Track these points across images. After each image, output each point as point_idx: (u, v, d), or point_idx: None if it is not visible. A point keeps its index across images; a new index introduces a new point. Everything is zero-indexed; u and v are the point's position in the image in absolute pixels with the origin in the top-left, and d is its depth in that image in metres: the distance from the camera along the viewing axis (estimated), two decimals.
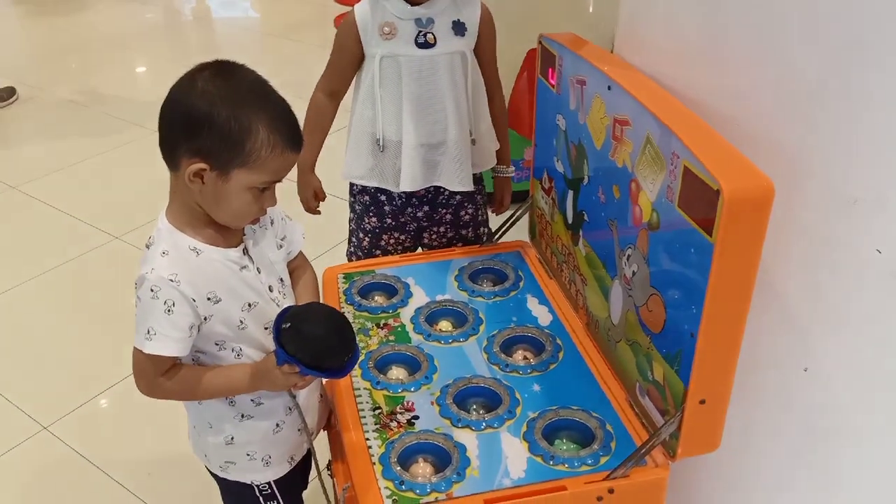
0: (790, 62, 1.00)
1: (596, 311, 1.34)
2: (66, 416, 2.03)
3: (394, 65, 1.55)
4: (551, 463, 1.13)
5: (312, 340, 1.06)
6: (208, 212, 1.09)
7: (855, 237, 1.09)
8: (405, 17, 1.55)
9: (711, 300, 0.96)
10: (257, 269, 1.16)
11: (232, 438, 1.21)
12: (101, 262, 2.64)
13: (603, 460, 1.13)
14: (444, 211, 1.70)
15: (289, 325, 1.06)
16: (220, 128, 1.01)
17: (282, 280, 1.21)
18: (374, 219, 1.71)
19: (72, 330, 2.34)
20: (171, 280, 1.06)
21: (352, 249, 1.79)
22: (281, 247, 1.22)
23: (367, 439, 1.19)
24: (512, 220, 1.63)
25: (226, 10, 5.72)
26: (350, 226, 1.78)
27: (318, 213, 1.72)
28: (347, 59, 1.61)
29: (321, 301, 1.33)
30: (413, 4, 1.55)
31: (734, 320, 0.99)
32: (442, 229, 1.73)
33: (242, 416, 1.20)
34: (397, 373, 1.33)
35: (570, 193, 1.39)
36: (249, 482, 1.26)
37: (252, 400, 1.19)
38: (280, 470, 1.26)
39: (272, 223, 1.21)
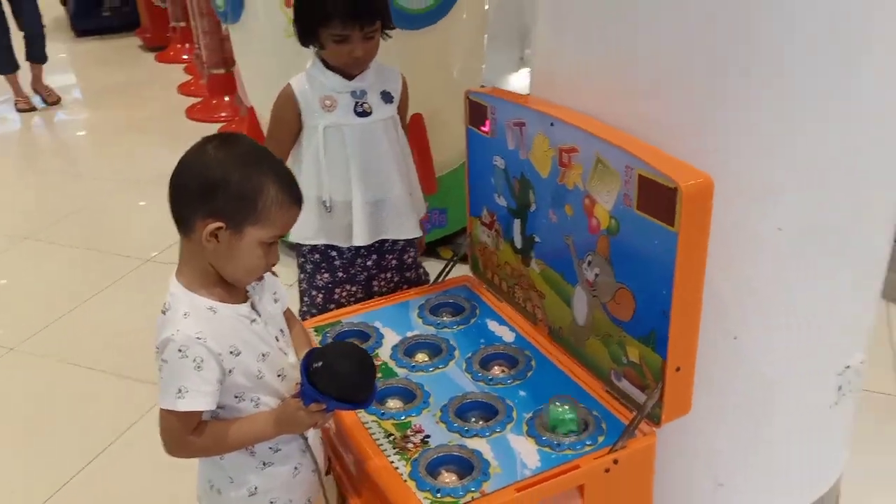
0: (687, 81, 1.26)
1: (558, 320, 1.52)
2: None
3: (337, 133, 1.71)
4: (559, 450, 1.29)
5: (346, 376, 1.16)
6: (221, 270, 1.18)
7: (759, 220, 1.36)
8: (343, 90, 1.73)
9: (680, 278, 1.17)
10: (265, 322, 1.25)
11: (256, 488, 1.26)
12: None
13: (600, 440, 1.30)
14: (391, 257, 1.85)
15: (321, 363, 1.16)
16: (234, 189, 1.13)
17: (282, 331, 1.30)
18: (325, 274, 1.82)
19: None
20: (198, 338, 1.13)
21: (304, 309, 1.88)
22: (276, 301, 1.31)
23: (392, 462, 1.29)
24: (456, 258, 1.80)
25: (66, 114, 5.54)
26: (300, 286, 1.88)
27: None
28: (287, 130, 1.75)
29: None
30: (349, 79, 1.72)
31: (696, 293, 1.21)
32: (389, 275, 1.87)
33: (264, 464, 1.26)
34: (395, 403, 1.44)
35: (517, 222, 1.58)
36: None
37: (270, 447, 1.25)
38: None
39: (264, 279, 1.30)
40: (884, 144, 1.39)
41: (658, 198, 1.16)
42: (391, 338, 1.61)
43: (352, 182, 1.73)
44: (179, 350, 1.12)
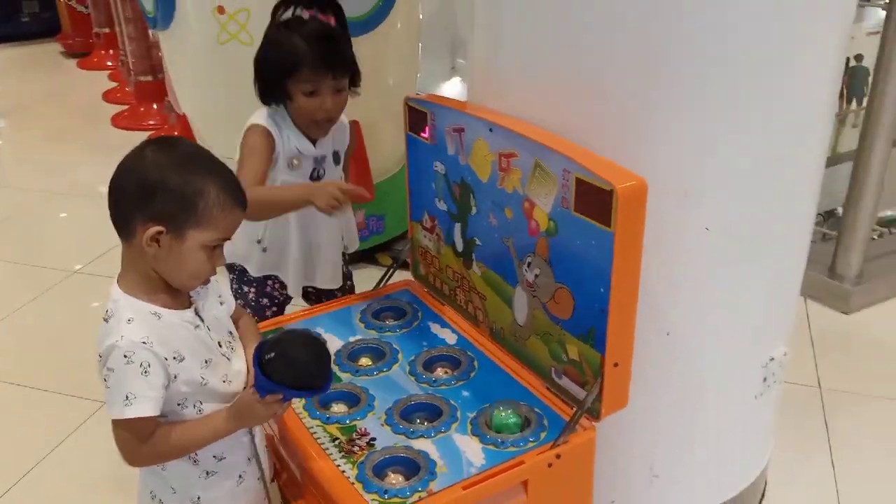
0: (618, 90, 1.32)
1: (499, 321, 1.56)
2: None
3: None
4: (503, 448, 1.32)
5: (301, 364, 1.16)
6: (165, 275, 1.17)
7: (688, 221, 1.43)
8: (307, 153, 1.72)
9: (617, 276, 1.22)
10: (207, 327, 1.24)
11: (199, 498, 1.25)
12: None
13: (543, 436, 1.34)
14: None
15: (273, 354, 1.15)
16: (173, 192, 1.11)
17: (231, 333, 1.29)
18: (255, 286, 1.83)
19: None
20: (144, 342, 1.12)
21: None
22: (222, 303, 1.30)
23: (338, 465, 1.29)
24: (397, 264, 1.82)
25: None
26: (231, 286, 1.86)
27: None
28: (267, 155, 1.67)
29: None
30: (313, 143, 1.72)
31: (632, 291, 1.26)
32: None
33: (207, 473, 1.25)
34: (340, 408, 1.44)
35: (458, 226, 1.61)
36: None
37: (214, 456, 1.24)
38: None
39: (209, 282, 1.29)
40: (802, 154, 1.48)
41: (594, 200, 1.20)
42: (334, 343, 1.62)
43: (288, 235, 1.75)
44: (125, 356, 1.10)
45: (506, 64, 1.51)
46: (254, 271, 1.81)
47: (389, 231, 3.09)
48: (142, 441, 1.14)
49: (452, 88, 4.84)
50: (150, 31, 4.58)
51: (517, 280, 1.46)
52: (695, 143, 1.37)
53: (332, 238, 1.82)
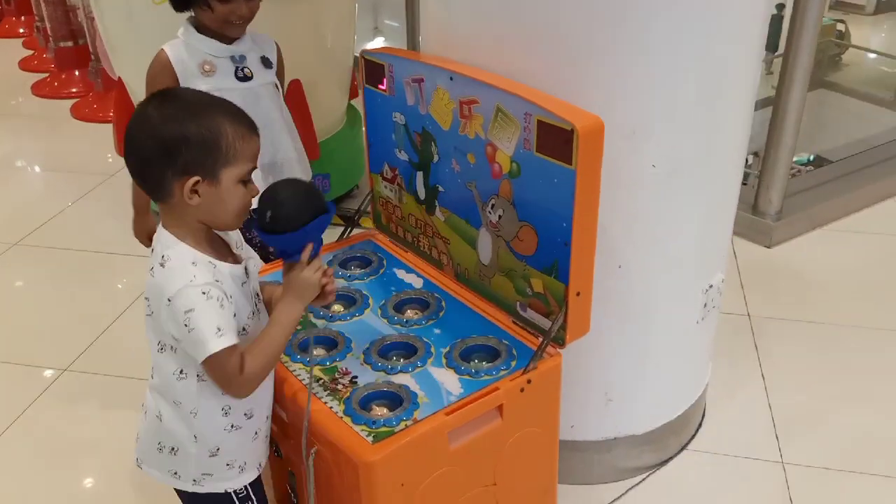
0: (568, 38, 1.42)
1: (464, 262, 1.64)
2: None
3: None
4: (478, 377, 1.41)
5: (297, 195, 1.21)
6: (212, 221, 1.20)
7: (636, 158, 1.54)
8: (221, 54, 1.77)
9: (579, 211, 1.32)
10: (251, 283, 1.28)
11: (218, 450, 1.28)
12: None
13: (513, 364, 1.44)
14: None
15: (269, 212, 1.20)
16: (194, 140, 1.13)
17: (258, 294, 1.32)
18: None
19: None
20: (216, 280, 1.16)
21: None
22: (255, 266, 1.33)
23: (326, 402, 1.37)
24: (359, 214, 1.88)
25: None
26: None
27: None
28: (166, 79, 1.74)
29: None
30: (227, 44, 1.75)
31: (592, 224, 1.37)
32: None
33: (233, 426, 1.27)
34: (319, 351, 1.51)
35: (420, 174, 1.68)
36: (224, 490, 1.32)
37: (245, 413, 1.29)
38: (252, 475, 1.35)
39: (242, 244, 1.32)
40: (736, 94, 1.61)
41: (556, 140, 1.30)
42: None
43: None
44: (203, 293, 1.12)
45: (459, 15, 1.58)
46: None
47: (335, 190, 3.13)
48: (241, 369, 1.17)
49: (376, 47, 4.86)
50: None
51: (481, 222, 1.55)
52: (640, 84, 1.47)
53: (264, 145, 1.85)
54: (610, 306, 1.64)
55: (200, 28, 1.79)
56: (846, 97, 4.28)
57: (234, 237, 1.30)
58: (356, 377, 1.43)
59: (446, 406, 1.35)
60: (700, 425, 2.06)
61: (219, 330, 1.13)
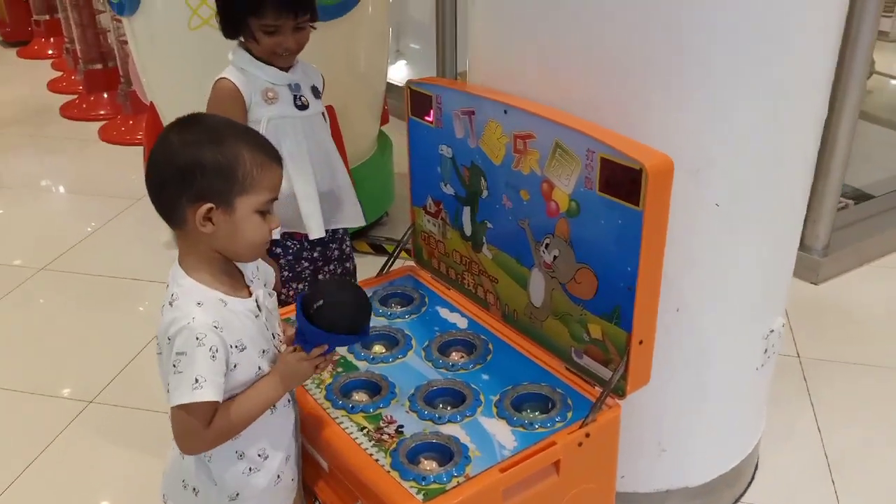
0: (630, 70, 1.34)
1: (512, 303, 1.56)
2: None
3: (281, 125, 1.67)
4: (532, 429, 1.32)
5: (349, 307, 1.18)
6: (226, 251, 1.15)
7: (699, 195, 1.45)
8: (280, 82, 1.71)
9: (645, 255, 1.23)
10: (265, 317, 1.22)
11: (237, 494, 1.23)
12: None
13: (569, 415, 1.35)
14: (334, 247, 1.84)
15: (321, 302, 1.16)
16: (210, 167, 1.09)
17: (274, 334, 1.26)
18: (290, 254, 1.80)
19: None
20: (216, 326, 1.10)
21: None
22: (271, 295, 1.28)
23: (371, 454, 1.28)
24: (399, 248, 1.80)
25: None
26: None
27: None
28: (233, 108, 1.68)
29: None
30: (284, 71, 1.69)
31: (657, 269, 1.28)
32: (332, 266, 1.87)
33: (251, 469, 1.22)
34: (361, 396, 1.43)
35: (467, 209, 1.60)
36: None
37: (259, 454, 1.23)
38: None
39: (258, 269, 1.27)
40: (803, 126, 1.52)
41: (622, 179, 1.21)
42: None
43: (299, 174, 1.70)
44: (197, 338, 1.08)
45: (510, 44, 1.50)
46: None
47: (365, 218, 3.06)
48: (205, 425, 1.12)
49: (398, 72, 4.82)
50: (98, 17, 4.42)
51: (533, 262, 1.47)
52: (704, 118, 1.39)
53: (322, 172, 1.81)
54: (666, 351, 1.54)
55: (252, 53, 1.74)
56: (870, 124, 4.17)
57: (251, 268, 1.25)
58: (402, 426, 1.34)
59: (500, 461, 1.26)
60: (753, 476, 1.95)
61: (197, 381, 1.07)
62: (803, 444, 2.07)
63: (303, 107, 1.74)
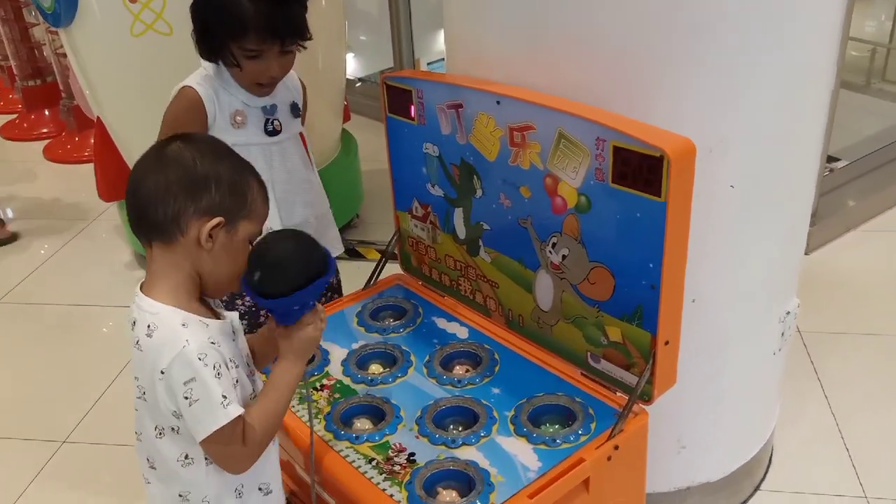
0: (636, 48, 1.23)
1: (517, 308, 1.45)
2: None
3: (245, 153, 1.50)
4: (555, 445, 1.22)
5: (290, 257, 1.05)
6: (210, 274, 1.06)
7: (712, 178, 1.35)
8: (254, 104, 1.55)
9: (669, 250, 1.13)
10: (239, 340, 1.13)
11: None
12: None
13: (593, 426, 1.25)
14: None
15: (258, 273, 1.04)
16: (226, 182, 1.03)
17: (248, 354, 1.17)
18: (247, 297, 1.64)
19: None
20: (213, 342, 1.01)
21: None
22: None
23: (384, 490, 1.16)
24: (386, 257, 1.68)
25: None
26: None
27: None
28: (191, 124, 1.50)
29: None
30: (260, 96, 1.54)
31: (681, 264, 1.17)
32: None
33: None
34: (364, 424, 1.31)
35: (458, 211, 1.48)
36: None
37: (260, 489, 1.14)
38: None
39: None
40: (813, 104, 1.43)
41: (639, 168, 1.11)
42: (338, 353, 1.47)
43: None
44: (199, 358, 0.98)
45: (494, 28, 1.38)
46: None
47: (336, 221, 2.91)
48: (242, 441, 1.03)
49: (348, 66, 4.67)
50: (31, 31, 4.17)
51: (538, 263, 1.36)
52: (716, 93, 1.28)
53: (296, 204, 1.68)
54: (684, 345, 1.44)
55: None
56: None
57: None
58: (413, 454, 1.22)
59: (526, 485, 1.15)
60: (770, 461, 1.88)
61: (225, 398, 0.99)
62: (816, 423, 2.00)
63: (273, 132, 1.57)
